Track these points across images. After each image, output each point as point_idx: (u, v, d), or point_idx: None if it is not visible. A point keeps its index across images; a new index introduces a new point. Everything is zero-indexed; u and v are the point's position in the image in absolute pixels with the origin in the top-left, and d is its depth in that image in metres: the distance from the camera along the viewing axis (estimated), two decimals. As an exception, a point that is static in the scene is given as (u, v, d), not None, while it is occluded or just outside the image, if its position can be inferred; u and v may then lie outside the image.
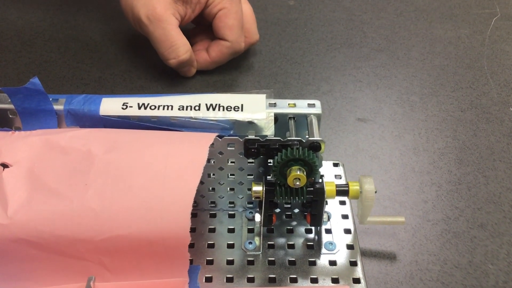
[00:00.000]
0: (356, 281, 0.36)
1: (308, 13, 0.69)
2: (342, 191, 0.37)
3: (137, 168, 0.33)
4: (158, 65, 0.57)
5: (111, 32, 0.64)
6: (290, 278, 0.37)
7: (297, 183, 0.35)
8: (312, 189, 0.36)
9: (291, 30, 0.66)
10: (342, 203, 0.42)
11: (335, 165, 0.45)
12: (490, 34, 0.65)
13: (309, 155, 0.35)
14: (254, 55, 0.61)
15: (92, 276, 0.32)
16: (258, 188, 0.37)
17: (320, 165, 0.36)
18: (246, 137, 0.36)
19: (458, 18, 0.68)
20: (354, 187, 0.37)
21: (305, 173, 0.35)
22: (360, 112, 0.53)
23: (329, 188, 0.37)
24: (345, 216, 0.41)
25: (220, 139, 0.37)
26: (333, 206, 0.42)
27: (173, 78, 0.57)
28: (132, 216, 0.32)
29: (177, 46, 0.52)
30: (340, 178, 0.44)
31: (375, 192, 0.36)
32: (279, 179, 0.36)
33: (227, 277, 0.37)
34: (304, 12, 0.69)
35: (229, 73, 0.58)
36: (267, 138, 0.36)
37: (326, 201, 0.41)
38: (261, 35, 0.60)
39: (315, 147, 0.36)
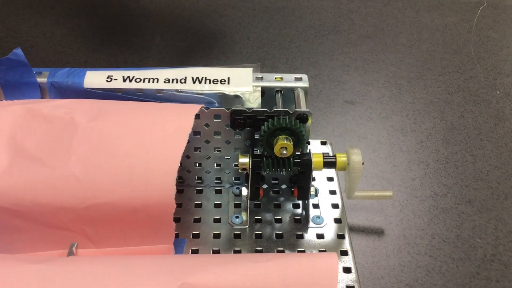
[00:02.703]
0: (344, 253, 0.36)
1: (296, 1, 0.69)
2: (329, 162, 0.36)
3: (122, 135, 0.33)
4: (144, 50, 0.57)
5: (98, 18, 0.64)
6: (277, 250, 0.36)
7: (284, 151, 0.35)
8: (299, 160, 0.36)
9: (279, 18, 0.66)
10: (330, 179, 0.42)
11: (323, 143, 0.45)
12: (477, 22, 0.66)
13: (295, 124, 0.35)
14: (242, 41, 0.61)
15: (74, 242, 0.31)
16: (244, 160, 0.36)
17: (307, 137, 0.36)
18: (233, 108, 0.36)
19: (445, 7, 0.69)
20: (341, 158, 0.36)
21: (292, 142, 0.35)
22: (347, 94, 0.53)
23: (316, 160, 0.36)
24: (332, 192, 0.41)
25: (206, 110, 0.36)
26: (320, 182, 0.41)
27: (160, 63, 0.56)
28: (116, 182, 0.31)
29: None
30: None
31: (363, 163, 0.36)
32: (265, 150, 0.36)
33: (213, 250, 0.36)
34: (292, 1, 0.69)
35: (216, 58, 0.58)
36: (254, 109, 0.36)
37: (314, 178, 0.41)
38: (249, 22, 0.60)
39: (302, 118, 0.36)
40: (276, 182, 0.41)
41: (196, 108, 0.35)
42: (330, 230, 0.38)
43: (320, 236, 0.37)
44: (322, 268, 0.28)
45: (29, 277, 0.26)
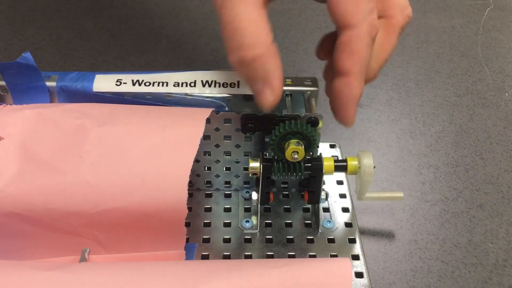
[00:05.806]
0: (355, 257, 0.36)
1: (302, 3, 0.69)
2: (340, 166, 0.36)
3: (133, 140, 0.32)
4: (151, 53, 0.57)
5: (104, 20, 0.63)
6: (288, 255, 0.36)
7: (295, 156, 0.34)
8: (310, 164, 0.36)
9: (285, 20, 0.65)
10: (340, 183, 0.42)
11: (332, 146, 0.45)
12: (484, 24, 0.65)
13: (307, 129, 0.34)
14: (249, 43, 0.61)
15: (86, 248, 0.31)
16: (255, 164, 0.36)
17: (318, 140, 0.36)
18: (243, 112, 0.36)
19: (452, 9, 0.68)
20: (352, 162, 0.36)
21: (303, 147, 0.35)
22: (356, 97, 0.53)
23: (327, 164, 0.36)
24: (343, 196, 0.40)
25: (216, 114, 0.36)
26: (330, 186, 0.41)
27: (167, 65, 0.56)
28: (127, 188, 0.31)
29: (242, 34, 0.30)
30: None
31: (374, 167, 0.36)
32: (276, 154, 0.35)
33: (224, 255, 0.36)
34: (298, 3, 0.69)
35: (223, 60, 0.58)
36: (264, 113, 0.36)
37: (324, 181, 0.40)
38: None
39: (313, 122, 0.36)
40: (286, 186, 0.41)
41: (207, 112, 0.35)
42: (341, 234, 0.38)
43: (331, 240, 0.37)
44: (336, 273, 0.28)
45: (42, 284, 0.26)
